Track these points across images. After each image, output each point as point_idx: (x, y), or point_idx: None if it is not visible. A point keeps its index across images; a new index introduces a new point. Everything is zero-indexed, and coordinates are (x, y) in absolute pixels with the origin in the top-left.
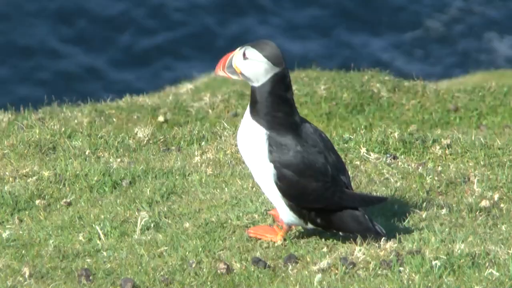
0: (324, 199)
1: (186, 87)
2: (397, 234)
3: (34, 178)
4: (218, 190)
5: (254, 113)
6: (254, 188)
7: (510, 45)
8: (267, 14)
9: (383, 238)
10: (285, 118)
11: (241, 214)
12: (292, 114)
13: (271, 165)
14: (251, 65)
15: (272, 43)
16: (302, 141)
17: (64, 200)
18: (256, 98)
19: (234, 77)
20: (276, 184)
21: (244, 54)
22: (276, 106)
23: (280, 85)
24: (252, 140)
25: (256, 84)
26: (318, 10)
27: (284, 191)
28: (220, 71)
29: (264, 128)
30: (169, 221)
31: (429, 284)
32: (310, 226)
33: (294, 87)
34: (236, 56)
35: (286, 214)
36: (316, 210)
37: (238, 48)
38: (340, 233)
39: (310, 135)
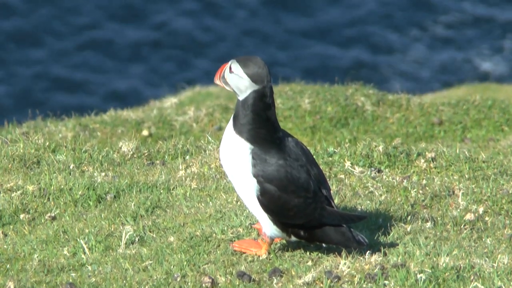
0: (305, 215)
1: (170, 101)
2: (382, 248)
3: (19, 192)
4: (202, 204)
5: (237, 126)
6: (238, 202)
7: (495, 60)
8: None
9: (368, 251)
10: (267, 134)
11: (225, 228)
12: (274, 130)
13: (254, 180)
14: (235, 78)
15: (258, 60)
16: (285, 155)
17: (49, 214)
18: (238, 111)
19: (227, 87)
20: (258, 198)
21: (230, 68)
22: (258, 122)
23: (259, 103)
24: (235, 153)
25: (240, 97)
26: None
27: (265, 206)
28: (217, 80)
29: (248, 142)
30: (154, 235)
31: None
32: (293, 238)
33: (278, 101)
34: (226, 68)
35: (269, 228)
36: (298, 224)
37: (230, 61)
38: (324, 244)
39: (292, 148)
